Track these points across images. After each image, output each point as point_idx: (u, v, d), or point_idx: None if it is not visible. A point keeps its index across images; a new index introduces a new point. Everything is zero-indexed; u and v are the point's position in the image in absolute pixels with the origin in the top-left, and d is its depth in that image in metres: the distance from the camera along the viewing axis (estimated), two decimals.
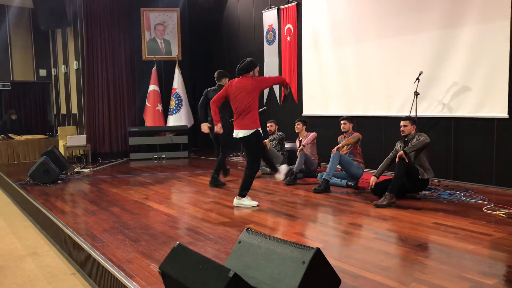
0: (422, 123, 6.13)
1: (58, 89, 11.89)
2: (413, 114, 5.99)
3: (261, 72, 9.07)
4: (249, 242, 2.48)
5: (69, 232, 3.97)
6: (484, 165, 5.67)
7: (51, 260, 3.92)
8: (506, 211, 4.33)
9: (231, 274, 1.95)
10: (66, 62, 11.01)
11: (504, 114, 5.39)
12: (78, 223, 4.37)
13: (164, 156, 9.42)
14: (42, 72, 12.13)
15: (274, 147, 6.94)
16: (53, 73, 12.14)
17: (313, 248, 2.21)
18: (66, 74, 11.07)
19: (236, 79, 4.87)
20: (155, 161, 9.16)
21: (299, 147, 6.43)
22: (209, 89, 6.18)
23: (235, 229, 3.99)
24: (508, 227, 3.85)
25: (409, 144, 5.04)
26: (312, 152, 6.61)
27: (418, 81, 5.97)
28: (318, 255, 2.20)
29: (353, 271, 2.93)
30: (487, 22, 5.46)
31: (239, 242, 2.53)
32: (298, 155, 6.29)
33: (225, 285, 1.93)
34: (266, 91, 8.97)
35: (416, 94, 6.00)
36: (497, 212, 4.31)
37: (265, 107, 8.11)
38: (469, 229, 3.82)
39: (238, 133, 4.83)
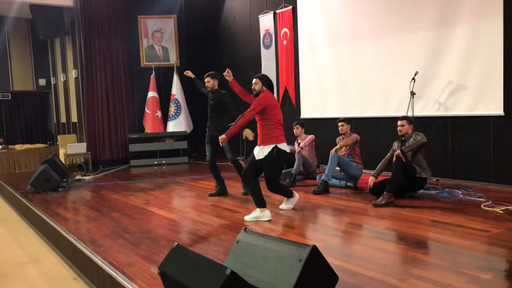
0: (419, 123, 6.15)
1: (57, 98, 11.96)
2: (409, 114, 6.03)
3: None
4: (247, 242, 2.51)
5: (70, 237, 4.00)
6: (482, 163, 5.70)
7: (53, 266, 3.95)
8: (504, 207, 4.35)
9: (228, 272, 1.98)
10: (65, 70, 11.08)
11: (499, 111, 5.42)
12: (79, 228, 4.40)
13: (164, 162, 9.45)
14: (42, 82, 12.19)
15: None
16: (52, 82, 12.20)
17: (309, 245, 2.23)
18: (65, 83, 11.13)
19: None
20: (156, 167, 9.19)
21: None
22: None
23: (235, 230, 4.02)
24: (506, 223, 3.88)
25: (406, 143, 5.08)
26: (311, 154, 6.65)
27: (414, 81, 6.01)
28: (315, 252, 2.22)
29: (352, 269, 2.95)
30: (481, 20, 5.51)
31: (237, 242, 2.56)
32: (296, 158, 6.33)
33: (222, 283, 1.96)
34: None
35: (412, 94, 6.03)
36: (495, 209, 4.33)
37: None
38: (467, 226, 3.84)
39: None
